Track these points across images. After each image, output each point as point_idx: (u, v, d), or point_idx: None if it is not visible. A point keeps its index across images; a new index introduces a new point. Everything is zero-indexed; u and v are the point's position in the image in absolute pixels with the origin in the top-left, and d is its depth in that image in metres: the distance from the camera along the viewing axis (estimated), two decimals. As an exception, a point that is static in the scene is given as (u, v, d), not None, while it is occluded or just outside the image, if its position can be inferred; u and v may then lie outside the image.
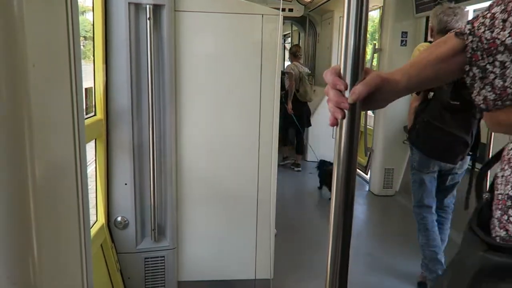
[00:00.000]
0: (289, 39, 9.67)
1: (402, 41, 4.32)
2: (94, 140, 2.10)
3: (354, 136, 0.73)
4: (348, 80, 0.72)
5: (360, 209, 4.31)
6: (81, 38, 2.34)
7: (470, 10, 3.44)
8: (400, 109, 4.42)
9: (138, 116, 2.15)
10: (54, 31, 0.88)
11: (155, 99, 2.12)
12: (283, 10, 6.26)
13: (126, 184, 2.17)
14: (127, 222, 2.21)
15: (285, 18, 6.82)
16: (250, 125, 2.35)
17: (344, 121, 0.73)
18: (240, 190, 2.43)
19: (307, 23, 6.84)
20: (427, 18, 4.16)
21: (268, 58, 2.29)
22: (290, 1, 6.33)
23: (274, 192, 2.41)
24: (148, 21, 2.06)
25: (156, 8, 2.09)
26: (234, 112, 2.35)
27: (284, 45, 10.49)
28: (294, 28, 8.45)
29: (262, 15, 2.24)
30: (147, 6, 2.05)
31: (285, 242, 3.01)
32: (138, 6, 2.06)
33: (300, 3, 6.34)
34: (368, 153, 4.84)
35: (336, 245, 0.76)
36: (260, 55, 2.28)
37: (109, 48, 2.06)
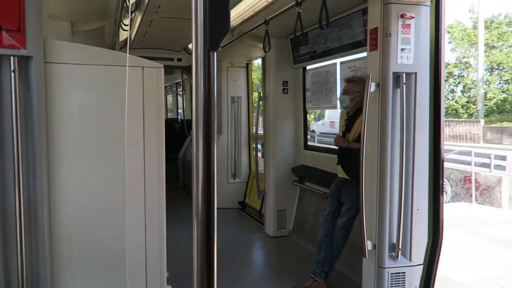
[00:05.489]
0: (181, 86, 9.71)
1: (284, 89, 4.67)
2: None
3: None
4: (200, 130, 0.86)
5: (256, 253, 4.33)
6: None
7: (338, 63, 3.87)
8: (288, 152, 4.68)
9: (1, 181, 1.88)
10: None
11: (22, 161, 1.89)
12: (172, 59, 6.32)
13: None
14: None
15: (175, 67, 6.85)
16: (134, 179, 2.21)
17: (200, 121, 0.88)
18: (127, 254, 2.23)
19: (196, 72, 6.97)
20: (304, 69, 4.58)
21: (151, 108, 2.22)
22: (179, 51, 6.43)
23: (164, 252, 2.27)
24: (12, 73, 1.87)
25: (23, 60, 1.91)
26: (116, 166, 2.19)
27: (177, 93, 10.52)
28: (185, 76, 8.54)
29: (142, 67, 2.20)
30: (11, 57, 1.86)
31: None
32: (1, 57, 1.87)
33: (188, 53, 6.47)
34: (261, 195, 4.97)
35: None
36: (141, 106, 2.21)
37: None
